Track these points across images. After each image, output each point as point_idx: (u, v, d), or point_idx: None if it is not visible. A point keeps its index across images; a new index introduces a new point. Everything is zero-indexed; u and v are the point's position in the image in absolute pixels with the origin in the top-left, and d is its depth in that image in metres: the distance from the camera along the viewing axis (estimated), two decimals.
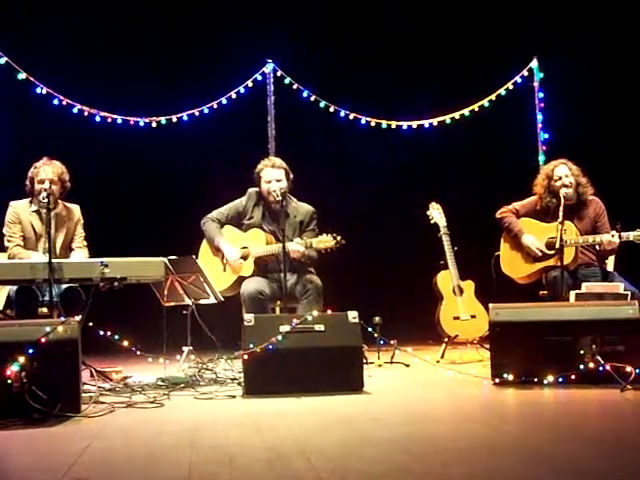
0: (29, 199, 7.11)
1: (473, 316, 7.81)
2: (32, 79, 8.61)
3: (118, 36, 9.57)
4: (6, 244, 7.02)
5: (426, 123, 9.88)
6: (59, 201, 7.08)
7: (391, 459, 3.91)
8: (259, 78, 9.55)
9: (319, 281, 7.12)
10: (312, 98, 9.63)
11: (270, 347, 5.83)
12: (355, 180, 10.01)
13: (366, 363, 6.80)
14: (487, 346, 6.95)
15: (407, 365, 7.45)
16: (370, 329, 6.82)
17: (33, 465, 4.07)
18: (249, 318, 6.00)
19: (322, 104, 9.63)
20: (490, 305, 6.27)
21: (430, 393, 6.05)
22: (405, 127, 9.84)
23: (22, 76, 8.54)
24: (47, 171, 6.95)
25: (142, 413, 5.39)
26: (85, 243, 7.21)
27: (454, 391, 6.10)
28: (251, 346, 5.84)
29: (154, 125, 9.26)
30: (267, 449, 4.15)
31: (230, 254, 7.28)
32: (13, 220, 7.05)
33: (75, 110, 8.92)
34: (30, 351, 5.08)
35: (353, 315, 6.06)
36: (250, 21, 9.80)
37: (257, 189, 7.40)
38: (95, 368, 6.53)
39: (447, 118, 9.88)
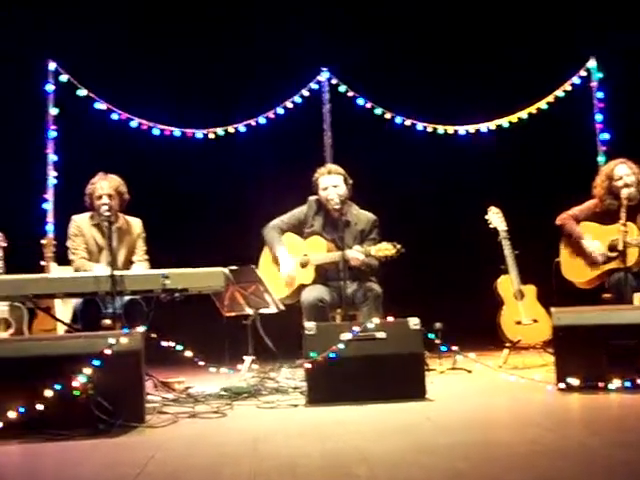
0: (90, 213, 7.19)
1: (535, 320, 7.75)
2: (92, 95, 8.73)
3: (175, 49, 9.67)
4: (71, 257, 7.11)
5: (483, 127, 9.83)
6: (120, 215, 7.15)
7: (451, 466, 3.90)
8: (314, 86, 9.58)
9: (379, 288, 7.11)
10: (368, 105, 9.63)
11: (332, 355, 5.84)
12: (413, 186, 10.00)
13: (428, 370, 6.78)
14: (550, 351, 6.89)
15: (469, 371, 7.41)
16: (431, 335, 6.79)
17: (98, 476, 4.12)
18: (310, 326, 6.01)
19: (378, 111, 9.63)
20: (552, 309, 6.22)
21: (493, 399, 6.01)
22: (462, 132, 9.80)
23: (82, 92, 8.66)
24: (104, 186, 7.02)
25: (205, 423, 5.42)
26: (147, 257, 7.26)
27: (517, 397, 6.05)
28: (313, 355, 5.85)
29: (211, 136, 9.33)
30: (329, 457, 4.15)
31: (284, 266, 7.28)
32: (76, 233, 7.13)
33: (134, 124, 9.03)
34: (95, 363, 5.15)
35: (414, 322, 6.03)
36: (305, 30, 9.83)
37: (317, 197, 7.41)
38: (158, 379, 6.59)
39: (504, 122, 9.82)
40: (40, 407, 5.08)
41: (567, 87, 9.82)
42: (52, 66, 8.62)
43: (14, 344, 5.76)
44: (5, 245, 7.40)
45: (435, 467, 3.89)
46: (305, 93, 9.54)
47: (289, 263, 7.29)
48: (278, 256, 7.33)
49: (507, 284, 7.90)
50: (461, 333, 7.69)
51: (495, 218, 8.08)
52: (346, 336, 5.90)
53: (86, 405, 5.11)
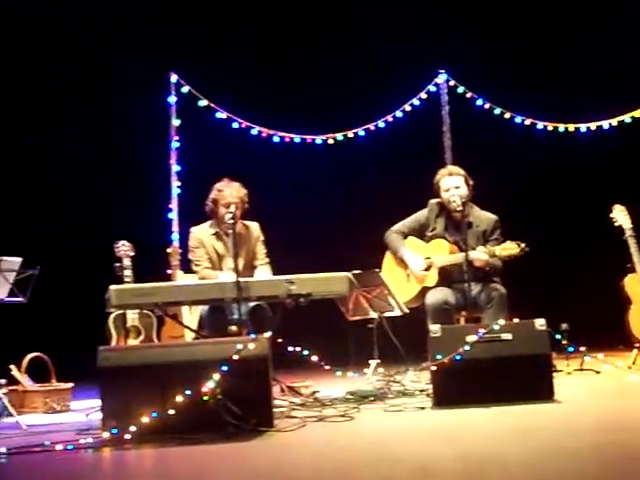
0: (208, 223, 7.29)
1: None
2: (213, 105, 8.87)
3: (293, 56, 9.78)
4: (194, 268, 7.22)
5: (605, 124, 9.66)
6: (238, 220, 7.23)
7: (584, 470, 3.84)
8: (432, 89, 9.56)
9: (503, 289, 7.04)
10: (487, 106, 9.56)
11: (457, 357, 5.81)
12: (535, 185, 9.89)
13: (555, 371, 6.69)
14: None
15: (597, 372, 7.29)
16: (558, 336, 6.70)
17: (231, 478, 4.18)
18: (435, 329, 5.99)
19: (497, 111, 9.55)
20: None
21: (622, 400, 5.90)
22: (584, 129, 9.65)
23: (203, 103, 8.81)
24: (232, 195, 7.09)
25: (333, 427, 5.44)
26: (267, 260, 7.33)
27: None
28: (438, 357, 5.83)
29: (331, 142, 9.38)
30: (460, 460, 4.13)
31: (414, 264, 7.25)
32: (196, 245, 7.25)
33: (254, 131, 9.14)
34: (224, 368, 5.23)
35: (540, 322, 5.95)
36: (422, 33, 9.82)
37: (438, 200, 7.38)
38: (285, 383, 6.66)
39: (627, 117, 9.63)
40: (171, 412, 5.18)
41: None
42: (174, 78, 8.79)
43: (145, 351, 5.90)
44: (133, 254, 7.57)
45: (567, 470, 3.83)
46: (423, 96, 9.52)
47: (417, 260, 7.25)
48: (404, 257, 7.31)
49: (634, 283, 7.73)
50: (588, 333, 7.58)
51: (620, 216, 7.92)
52: (472, 338, 5.87)
53: (215, 410, 5.19)
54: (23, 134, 9.71)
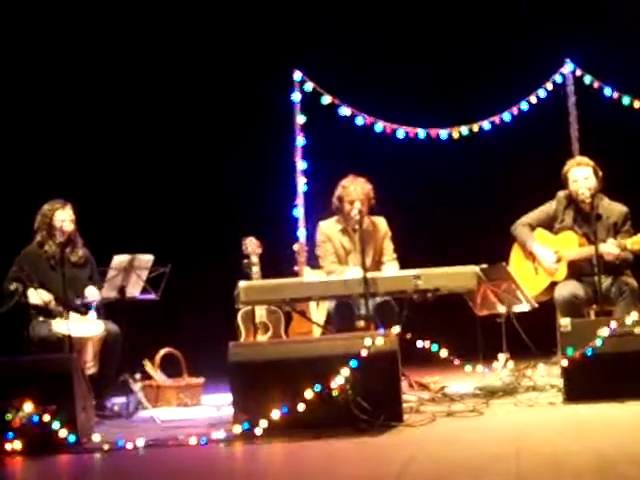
0: (335, 218, 7.34)
1: None
2: (336, 101, 8.90)
3: (416, 49, 9.75)
4: (321, 262, 7.29)
5: None
6: (365, 216, 7.24)
7: None
8: (558, 79, 9.40)
9: (635, 283, 6.89)
10: (615, 95, 9.35)
11: (589, 352, 5.72)
12: None
13: None
14: None
15: None
16: None
17: (362, 473, 4.21)
18: (566, 323, 5.91)
19: (626, 100, 9.33)
20: None
21: None
22: None
23: (327, 99, 8.84)
24: (357, 191, 7.11)
25: (463, 422, 5.43)
26: (395, 255, 7.33)
27: None
28: (569, 351, 5.75)
29: (455, 136, 9.30)
30: (595, 456, 4.07)
31: (545, 257, 7.14)
32: (324, 239, 7.31)
33: (379, 127, 9.13)
34: (353, 364, 5.26)
35: None
36: (547, 23, 9.67)
37: (566, 191, 7.26)
38: (414, 378, 6.66)
39: None
40: (301, 407, 5.24)
41: None
42: (297, 75, 8.84)
43: (274, 347, 5.98)
44: (260, 251, 7.65)
45: None
46: (549, 86, 9.36)
47: (547, 253, 7.14)
48: (533, 250, 7.21)
49: None
50: None
51: None
52: (603, 332, 5.77)
53: (345, 405, 5.23)
54: (158, 134, 9.90)
